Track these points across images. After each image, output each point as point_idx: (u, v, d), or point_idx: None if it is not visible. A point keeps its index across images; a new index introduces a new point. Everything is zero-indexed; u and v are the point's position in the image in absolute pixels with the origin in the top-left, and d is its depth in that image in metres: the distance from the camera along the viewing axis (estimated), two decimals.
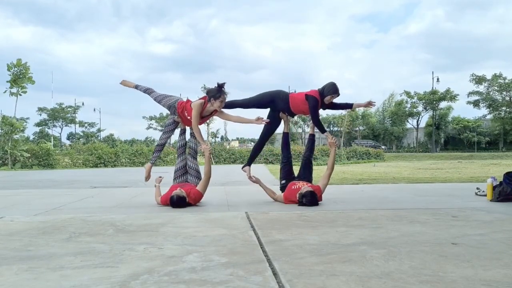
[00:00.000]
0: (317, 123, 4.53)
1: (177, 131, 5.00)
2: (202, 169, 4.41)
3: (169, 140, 4.86)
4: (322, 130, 4.54)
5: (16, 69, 18.27)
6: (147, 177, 4.70)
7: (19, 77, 18.25)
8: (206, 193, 4.36)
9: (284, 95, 4.62)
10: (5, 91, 18.22)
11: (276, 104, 4.62)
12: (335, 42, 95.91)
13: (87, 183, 8.51)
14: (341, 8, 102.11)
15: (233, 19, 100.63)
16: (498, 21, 73.39)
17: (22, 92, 18.51)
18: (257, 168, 15.88)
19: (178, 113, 4.48)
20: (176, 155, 4.75)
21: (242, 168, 4.90)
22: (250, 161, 4.88)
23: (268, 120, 4.52)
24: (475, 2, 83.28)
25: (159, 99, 4.62)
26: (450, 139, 46.93)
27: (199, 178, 4.52)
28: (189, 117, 4.35)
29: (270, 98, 4.64)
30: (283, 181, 4.62)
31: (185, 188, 4.22)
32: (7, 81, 18.20)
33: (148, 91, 4.72)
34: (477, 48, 72.60)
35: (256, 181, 4.67)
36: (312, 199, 4.03)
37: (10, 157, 17.81)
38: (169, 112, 4.71)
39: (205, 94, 4.37)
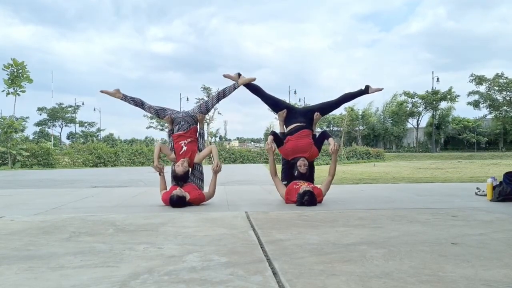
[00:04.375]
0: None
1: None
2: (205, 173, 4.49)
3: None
4: (326, 136, 4.60)
5: (13, 68, 18.22)
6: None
7: (17, 76, 18.20)
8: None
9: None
10: (3, 91, 18.19)
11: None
12: (336, 41, 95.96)
13: (87, 182, 8.51)
14: (343, 7, 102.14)
15: (234, 18, 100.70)
16: (501, 20, 73.05)
17: (20, 91, 18.47)
18: (257, 168, 15.90)
19: (173, 144, 4.54)
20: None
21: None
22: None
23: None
24: (477, 1, 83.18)
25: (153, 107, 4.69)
26: (450, 139, 46.90)
27: (202, 179, 4.54)
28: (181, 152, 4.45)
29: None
30: (284, 182, 4.61)
31: (186, 188, 4.23)
32: (3, 80, 18.15)
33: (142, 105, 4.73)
34: (479, 47, 72.42)
35: (271, 152, 4.53)
36: (310, 198, 4.02)
37: (10, 157, 17.80)
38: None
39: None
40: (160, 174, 4.48)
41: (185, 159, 4.33)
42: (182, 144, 4.45)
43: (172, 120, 4.63)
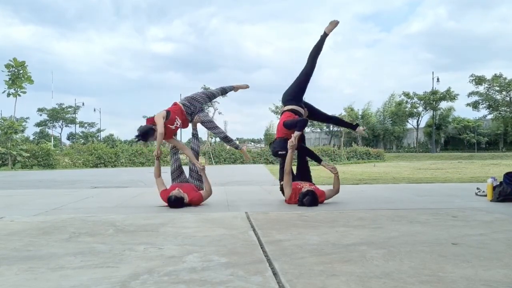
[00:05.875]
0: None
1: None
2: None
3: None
4: (318, 160, 4.59)
5: (14, 69, 18.19)
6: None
7: (18, 77, 18.18)
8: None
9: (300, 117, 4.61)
10: (4, 92, 18.18)
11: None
12: (336, 41, 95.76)
13: (87, 183, 8.51)
14: (343, 7, 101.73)
15: (234, 18, 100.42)
16: (501, 20, 72.59)
17: (21, 92, 18.45)
18: (257, 169, 15.90)
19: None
20: (169, 156, 4.74)
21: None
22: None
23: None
24: (478, 1, 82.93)
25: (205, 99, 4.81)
26: (450, 139, 46.86)
27: (200, 180, 4.54)
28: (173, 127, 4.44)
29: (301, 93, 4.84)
30: None
31: (185, 189, 4.23)
32: (4, 81, 18.12)
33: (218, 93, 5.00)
34: (479, 47, 71.98)
35: (294, 149, 4.29)
36: (312, 199, 4.03)
37: (10, 157, 17.80)
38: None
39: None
40: (157, 159, 4.43)
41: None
42: (176, 121, 4.44)
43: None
